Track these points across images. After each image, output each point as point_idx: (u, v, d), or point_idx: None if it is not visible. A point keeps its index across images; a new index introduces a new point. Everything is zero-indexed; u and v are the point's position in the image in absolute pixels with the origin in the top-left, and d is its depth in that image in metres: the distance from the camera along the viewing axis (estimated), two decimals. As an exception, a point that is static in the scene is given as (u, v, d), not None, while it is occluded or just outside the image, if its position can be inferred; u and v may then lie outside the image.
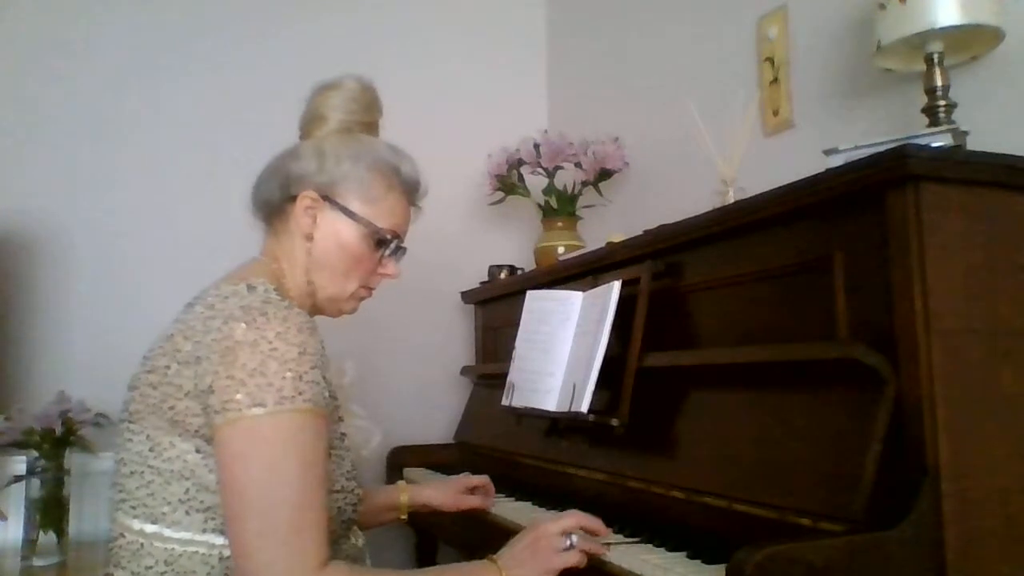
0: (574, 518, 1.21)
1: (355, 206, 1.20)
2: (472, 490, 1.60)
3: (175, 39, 2.42)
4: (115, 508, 1.10)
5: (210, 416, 1.01)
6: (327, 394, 1.08)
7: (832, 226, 1.19)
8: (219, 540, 1.05)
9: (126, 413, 1.11)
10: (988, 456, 1.06)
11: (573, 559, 1.16)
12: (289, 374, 1.01)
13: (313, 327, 1.09)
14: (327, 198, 1.20)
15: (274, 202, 1.23)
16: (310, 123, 1.26)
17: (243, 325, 1.03)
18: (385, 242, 1.23)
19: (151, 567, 1.04)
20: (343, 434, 1.18)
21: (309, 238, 1.19)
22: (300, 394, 1.01)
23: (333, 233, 1.20)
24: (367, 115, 1.28)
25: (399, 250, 1.27)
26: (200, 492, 1.05)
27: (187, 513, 1.05)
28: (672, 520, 1.33)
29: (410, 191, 1.28)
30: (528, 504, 1.64)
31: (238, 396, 0.99)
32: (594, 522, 1.23)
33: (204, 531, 1.05)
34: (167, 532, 1.05)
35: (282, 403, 1.00)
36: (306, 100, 1.27)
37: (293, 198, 1.20)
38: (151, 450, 1.06)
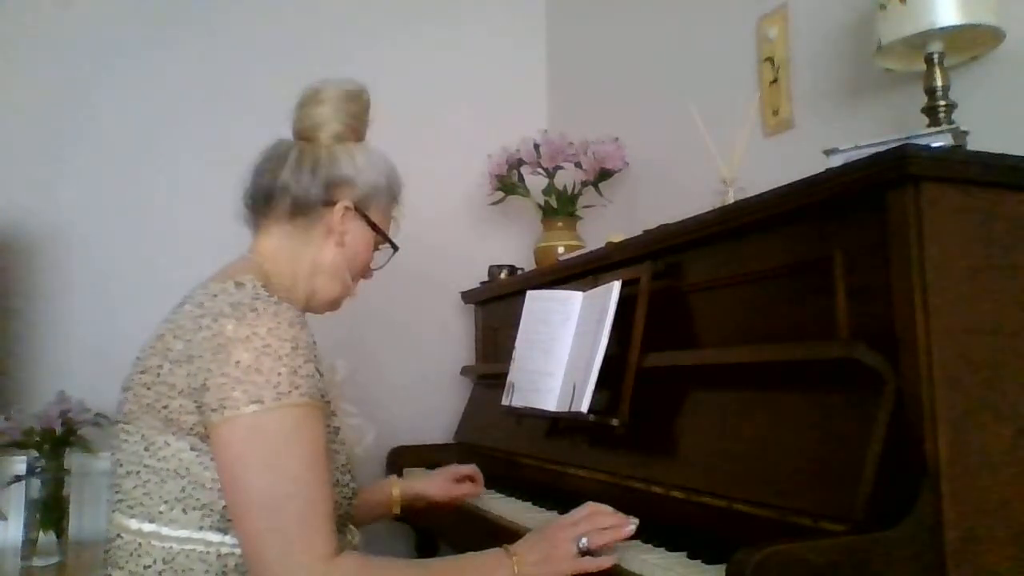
0: (590, 522, 1.16)
1: (375, 217, 1.27)
2: (461, 479, 1.63)
3: (175, 39, 2.42)
4: (112, 509, 1.10)
5: (206, 414, 1.02)
6: (322, 386, 1.09)
7: (832, 226, 1.19)
8: (216, 537, 1.05)
9: (121, 414, 1.12)
10: (988, 456, 1.06)
11: (588, 566, 1.13)
12: (284, 369, 1.02)
13: (303, 321, 1.10)
14: (358, 208, 1.25)
15: (311, 202, 1.22)
16: (308, 127, 1.26)
17: (233, 322, 1.03)
18: (383, 249, 1.31)
19: (149, 566, 1.05)
20: (337, 428, 1.19)
21: (340, 244, 1.24)
22: (296, 388, 1.02)
23: (356, 240, 1.26)
24: (361, 118, 1.30)
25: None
26: (196, 489, 1.05)
27: (184, 511, 1.05)
28: (672, 520, 1.32)
29: (397, 198, 1.33)
30: (528, 504, 1.64)
31: (235, 393, 1.00)
32: (614, 520, 1.18)
33: (201, 528, 1.05)
34: (164, 531, 1.05)
35: (279, 398, 1.01)
36: (299, 102, 1.28)
37: (330, 203, 1.22)
38: (146, 449, 1.07)
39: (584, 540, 1.14)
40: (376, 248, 1.30)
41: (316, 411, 1.05)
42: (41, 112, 2.27)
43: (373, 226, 1.26)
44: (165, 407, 1.05)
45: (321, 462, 1.04)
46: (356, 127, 1.27)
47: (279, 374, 1.01)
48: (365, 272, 1.31)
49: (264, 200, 1.24)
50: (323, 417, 1.08)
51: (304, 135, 1.26)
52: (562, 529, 1.16)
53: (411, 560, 1.14)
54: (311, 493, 1.01)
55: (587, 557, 1.14)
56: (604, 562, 1.14)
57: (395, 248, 1.31)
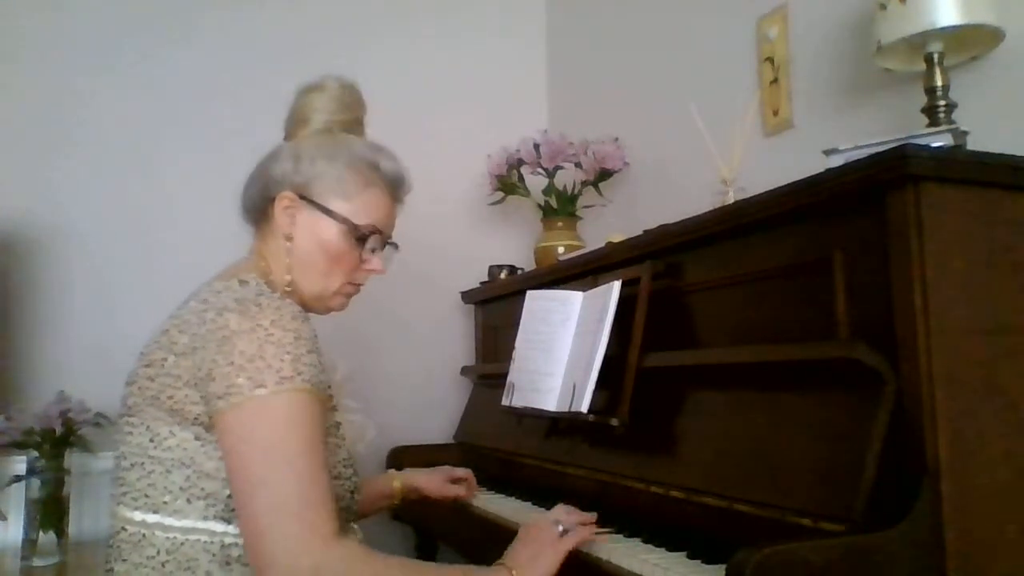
0: (556, 511, 1.28)
1: (333, 204, 1.22)
2: (456, 481, 1.70)
3: (174, 39, 2.42)
4: (115, 503, 1.11)
5: (211, 403, 1.03)
6: (324, 379, 1.10)
7: (832, 226, 1.19)
8: (220, 527, 1.06)
9: (125, 408, 1.13)
10: (988, 456, 1.06)
11: (573, 540, 1.20)
12: (287, 356, 1.03)
13: (306, 317, 1.12)
14: (304, 197, 1.21)
15: (256, 204, 1.25)
16: (293, 125, 1.28)
17: (237, 315, 1.05)
18: (365, 238, 1.24)
19: (153, 557, 1.06)
20: (338, 423, 1.20)
21: (289, 238, 1.21)
22: (299, 374, 1.04)
23: (312, 232, 1.21)
24: (349, 113, 1.29)
25: (385, 245, 1.28)
26: (200, 479, 1.06)
27: (188, 501, 1.06)
28: (672, 520, 1.33)
29: (392, 186, 1.28)
30: (528, 504, 1.64)
31: (239, 380, 1.01)
32: (581, 514, 1.28)
33: (205, 518, 1.06)
34: (168, 521, 1.06)
35: (282, 383, 1.02)
36: (290, 102, 1.29)
37: (273, 199, 1.22)
38: (151, 440, 1.08)
39: (560, 525, 1.21)
40: (359, 238, 1.22)
41: (316, 400, 1.06)
42: (41, 112, 2.26)
43: (327, 211, 1.20)
44: (170, 398, 1.07)
45: (320, 448, 1.05)
46: (333, 121, 1.26)
47: (282, 360, 1.03)
48: (351, 263, 1.24)
49: (241, 207, 1.29)
50: (324, 408, 1.09)
51: (286, 136, 1.29)
52: (535, 524, 1.23)
53: (413, 560, 1.14)
54: (312, 475, 1.02)
55: (570, 534, 1.20)
56: (591, 531, 1.23)
57: (365, 232, 1.22)
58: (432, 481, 1.67)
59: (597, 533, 1.27)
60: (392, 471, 1.70)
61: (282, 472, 1.00)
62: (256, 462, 1.01)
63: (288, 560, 0.97)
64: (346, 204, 1.22)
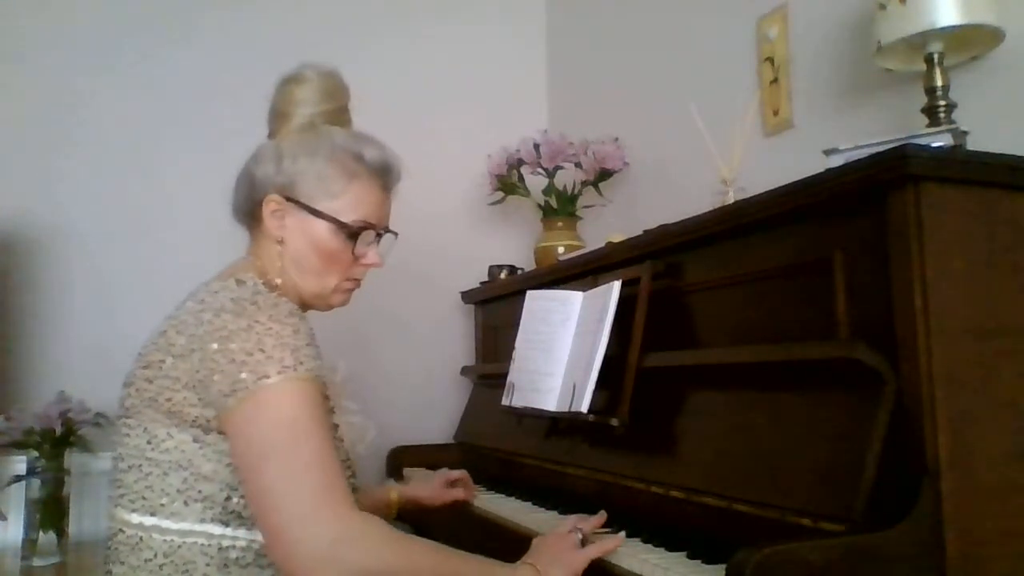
0: (572, 520, 1.27)
1: (319, 203, 1.19)
2: (452, 484, 1.69)
3: (174, 39, 2.42)
4: (114, 504, 1.11)
5: (219, 403, 1.03)
6: (323, 375, 1.10)
7: (832, 226, 1.19)
8: (217, 530, 1.06)
9: (122, 409, 1.13)
10: (988, 456, 1.06)
11: (597, 549, 1.20)
12: (288, 348, 1.04)
13: (302, 315, 1.12)
14: (290, 199, 1.19)
15: (244, 207, 1.24)
16: (276, 120, 1.25)
17: (233, 315, 1.05)
18: (357, 234, 1.21)
19: (150, 559, 1.06)
20: (336, 425, 1.20)
21: (280, 241, 1.20)
22: (301, 364, 1.04)
23: (302, 233, 1.20)
24: (332, 103, 1.25)
25: (380, 237, 1.25)
26: (198, 481, 1.06)
27: (185, 503, 1.06)
28: (672, 520, 1.33)
29: (379, 175, 1.24)
30: (528, 504, 1.64)
31: (242, 375, 1.01)
32: (593, 520, 1.29)
33: (202, 521, 1.06)
34: (166, 524, 1.06)
35: (284, 372, 1.02)
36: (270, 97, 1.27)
37: (260, 202, 1.20)
38: (148, 443, 1.08)
39: (579, 533, 1.22)
40: (350, 235, 1.20)
41: (318, 390, 1.07)
42: (41, 112, 2.26)
43: (314, 211, 1.18)
44: (168, 400, 1.07)
45: (329, 433, 1.06)
46: (315, 113, 1.23)
47: (283, 351, 1.03)
48: (346, 260, 1.21)
49: (232, 210, 1.28)
50: (324, 398, 1.09)
51: (269, 132, 1.27)
52: (553, 533, 1.24)
53: (432, 541, 1.11)
54: (323, 457, 1.02)
55: (594, 544, 1.21)
56: (612, 541, 1.21)
57: (356, 228, 1.20)
58: (429, 490, 1.66)
59: (597, 533, 1.27)
60: (390, 482, 1.68)
61: (294, 455, 1.00)
62: (266, 449, 1.01)
63: (308, 535, 0.97)
64: (333, 201, 1.19)
